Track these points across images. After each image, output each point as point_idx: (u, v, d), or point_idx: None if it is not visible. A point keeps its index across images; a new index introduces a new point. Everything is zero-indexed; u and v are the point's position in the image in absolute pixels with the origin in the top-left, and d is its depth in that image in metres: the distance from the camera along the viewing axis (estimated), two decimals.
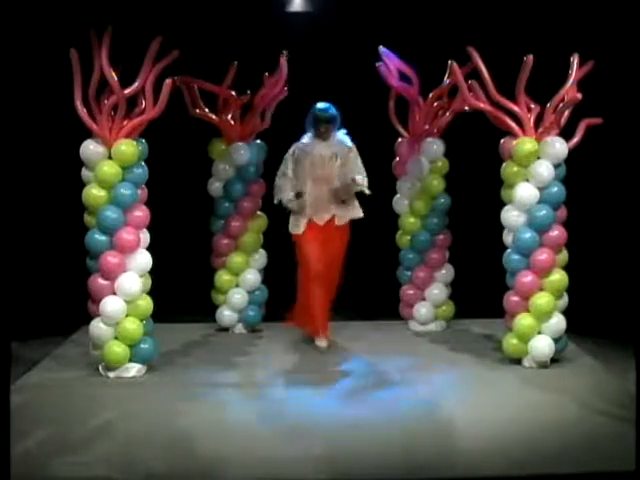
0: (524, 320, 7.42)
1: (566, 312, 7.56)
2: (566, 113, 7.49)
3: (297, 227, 7.95)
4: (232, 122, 8.59)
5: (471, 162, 9.15)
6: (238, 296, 8.72)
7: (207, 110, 8.55)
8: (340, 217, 7.94)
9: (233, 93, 8.52)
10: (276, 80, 8.47)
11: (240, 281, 8.75)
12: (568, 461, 5.54)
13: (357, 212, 7.97)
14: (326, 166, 7.89)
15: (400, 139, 8.73)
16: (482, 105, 7.52)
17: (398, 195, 8.80)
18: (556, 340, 7.46)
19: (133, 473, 5.48)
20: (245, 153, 8.59)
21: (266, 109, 8.62)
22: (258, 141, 8.70)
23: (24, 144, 8.82)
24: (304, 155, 7.90)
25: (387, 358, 7.80)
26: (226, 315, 8.78)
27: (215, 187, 8.71)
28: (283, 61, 8.34)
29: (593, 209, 9.18)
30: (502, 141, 7.59)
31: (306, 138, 7.96)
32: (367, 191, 7.81)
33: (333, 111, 7.89)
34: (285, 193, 7.91)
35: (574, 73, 7.47)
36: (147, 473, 5.46)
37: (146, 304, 7.35)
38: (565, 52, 7.55)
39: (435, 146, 8.65)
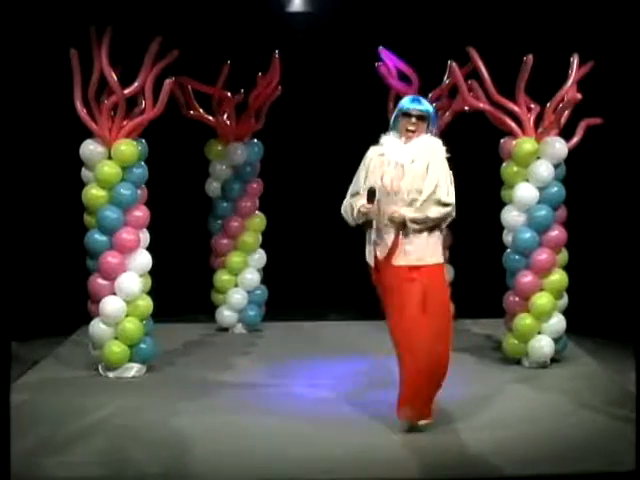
0: (524, 320, 7.42)
1: (566, 312, 7.56)
2: (566, 113, 7.49)
3: (368, 254, 6.08)
4: (228, 122, 8.59)
5: (471, 162, 9.13)
6: (238, 296, 8.72)
7: (202, 111, 8.55)
8: (401, 253, 5.85)
9: (229, 94, 8.53)
10: (269, 79, 8.49)
11: (239, 281, 8.76)
12: (568, 461, 5.54)
13: (436, 255, 5.87)
14: (397, 176, 5.89)
15: None
16: (482, 105, 7.52)
17: None
18: (556, 340, 7.46)
19: (131, 473, 5.48)
20: (242, 153, 8.60)
21: (260, 109, 8.63)
22: (255, 140, 8.71)
23: (24, 144, 8.81)
24: (378, 160, 5.99)
25: (387, 358, 7.78)
26: (226, 315, 8.78)
27: (213, 187, 8.72)
28: (276, 60, 8.36)
29: (593, 209, 9.17)
30: (502, 141, 7.60)
31: (385, 138, 6.07)
32: (415, 226, 5.81)
33: (427, 106, 6.02)
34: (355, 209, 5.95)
35: (574, 73, 7.48)
36: (146, 473, 5.47)
37: (146, 304, 7.35)
38: (565, 52, 7.56)
39: None
